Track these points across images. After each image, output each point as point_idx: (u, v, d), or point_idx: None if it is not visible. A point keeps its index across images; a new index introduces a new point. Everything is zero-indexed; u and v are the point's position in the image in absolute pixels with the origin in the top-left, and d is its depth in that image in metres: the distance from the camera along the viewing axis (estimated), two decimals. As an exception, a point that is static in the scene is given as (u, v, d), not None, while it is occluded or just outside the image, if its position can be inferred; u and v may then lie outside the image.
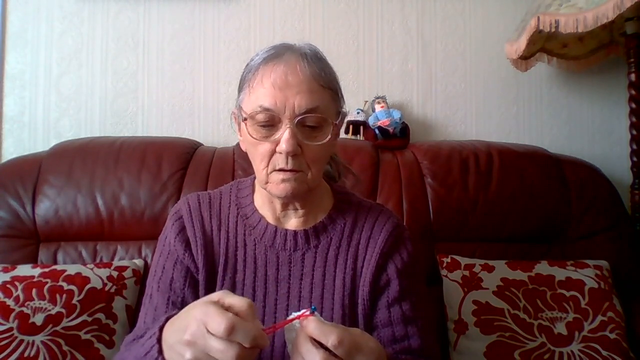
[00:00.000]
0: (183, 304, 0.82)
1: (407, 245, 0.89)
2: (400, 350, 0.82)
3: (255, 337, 0.56)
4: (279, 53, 0.80)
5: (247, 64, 0.83)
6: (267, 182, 0.81)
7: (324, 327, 0.59)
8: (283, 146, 0.76)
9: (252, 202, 0.90)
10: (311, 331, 0.59)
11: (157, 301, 0.83)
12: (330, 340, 0.58)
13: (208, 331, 0.56)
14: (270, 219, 0.87)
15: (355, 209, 0.90)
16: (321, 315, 0.81)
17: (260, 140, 0.78)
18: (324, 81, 0.79)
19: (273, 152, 0.78)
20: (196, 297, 0.84)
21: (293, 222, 0.87)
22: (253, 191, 0.91)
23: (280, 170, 0.78)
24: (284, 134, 0.76)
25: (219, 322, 0.55)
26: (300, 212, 0.86)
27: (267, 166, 0.79)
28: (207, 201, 0.90)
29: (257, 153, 0.79)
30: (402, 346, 0.82)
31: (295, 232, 0.86)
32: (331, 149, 0.86)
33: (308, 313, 0.61)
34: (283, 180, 0.79)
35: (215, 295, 0.60)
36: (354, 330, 0.64)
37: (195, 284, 0.85)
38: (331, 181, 0.97)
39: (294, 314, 0.62)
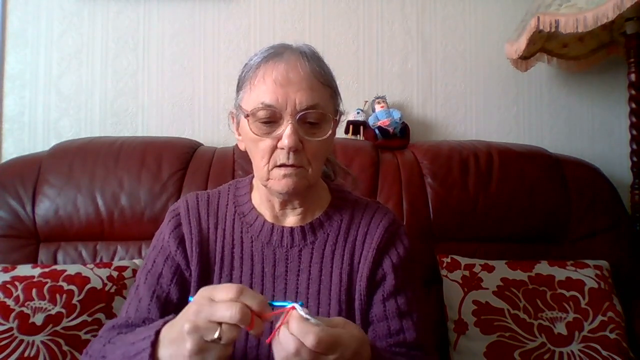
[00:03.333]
0: (167, 299, 0.84)
1: (403, 240, 0.89)
2: (394, 343, 0.83)
3: (262, 301, 0.59)
4: (278, 52, 0.81)
5: (246, 64, 0.85)
6: (268, 179, 0.81)
7: (303, 327, 0.59)
8: (285, 142, 0.77)
9: (250, 200, 0.91)
10: (293, 329, 0.59)
11: (142, 293, 0.84)
12: (308, 342, 0.58)
13: (214, 301, 0.59)
14: (268, 216, 0.88)
15: (352, 205, 0.91)
16: (317, 311, 0.82)
17: (261, 136, 0.79)
18: (323, 79, 0.81)
19: (274, 149, 0.79)
20: (182, 295, 0.85)
21: (291, 220, 0.88)
22: (251, 190, 0.92)
23: (282, 165, 0.79)
24: (286, 130, 0.77)
25: (227, 289, 0.59)
26: (299, 210, 0.87)
27: (268, 162, 0.80)
28: (205, 200, 0.91)
29: (258, 150, 0.80)
30: (396, 340, 0.83)
31: (291, 229, 0.87)
32: (330, 146, 0.87)
33: (292, 305, 0.61)
34: (285, 176, 0.80)
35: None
36: (336, 320, 0.64)
37: (183, 282, 0.86)
38: (327, 179, 0.98)
39: (278, 303, 0.62)
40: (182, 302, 0.84)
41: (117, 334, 0.79)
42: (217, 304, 0.59)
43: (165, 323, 0.68)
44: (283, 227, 0.87)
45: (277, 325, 0.61)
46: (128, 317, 0.82)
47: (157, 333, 0.67)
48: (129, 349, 0.70)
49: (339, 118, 0.87)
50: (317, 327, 0.59)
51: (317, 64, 0.82)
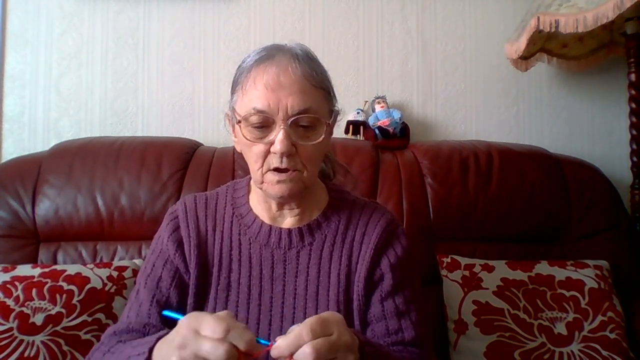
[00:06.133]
0: (167, 303, 0.83)
1: (401, 240, 0.89)
2: (392, 342, 0.83)
3: (250, 340, 0.58)
4: (270, 54, 0.80)
5: (239, 66, 0.84)
6: (262, 182, 0.81)
7: (291, 336, 0.59)
8: (277, 147, 0.77)
9: (248, 201, 0.90)
10: (288, 347, 0.59)
11: (142, 298, 0.84)
12: (305, 337, 0.58)
13: (200, 334, 0.58)
14: (265, 218, 0.88)
15: (350, 206, 0.91)
16: (316, 312, 0.82)
17: (254, 141, 0.79)
18: (315, 81, 0.80)
19: (267, 153, 0.79)
20: (181, 298, 0.85)
21: (288, 221, 0.88)
22: (249, 191, 0.92)
23: (276, 170, 0.79)
24: (278, 135, 0.77)
25: (213, 325, 0.57)
26: (296, 210, 0.87)
27: (262, 166, 0.80)
28: (203, 202, 0.91)
29: (252, 154, 0.80)
30: (394, 339, 0.83)
31: (289, 230, 0.87)
32: (325, 148, 0.87)
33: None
34: (278, 182, 0.79)
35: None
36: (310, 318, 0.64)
37: (182, 285, 0.85)
38: (326, 179, 0.97)
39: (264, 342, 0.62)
40: (182, 306, 0.84)
41: (117, 342, 0.78)
42: (203, 340, 0.57)
43: (158, 339, 0.67)
44: (281, 228, 0.87)
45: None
46: (129, 322, 0.82)
47: (150, 351, 0.66)
48: None
49: (335, 119, 0.86)
50: (300, 327, 0.60)
51: (310, 65, 0.80)
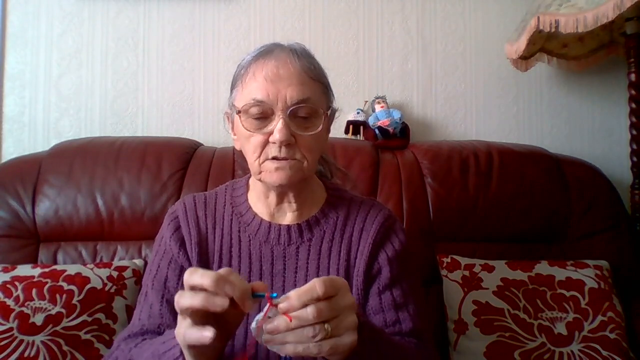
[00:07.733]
0: None
1: (399, 234, 0.90)
2: (390, 334, 0.82)
3: (244, 290, 0.58)
4: (269, 50, 0.83)
5: (239, 64, 0.86)
6: (260, 172, 0.82)
7: (304, 289, 0.58)
8: (277, 136, 0.78)
9: (247, 200, 0.91)
10: (299, 298, 0.57)
11: (152, 299, 0.85)
12: (317, 287, 0.57)
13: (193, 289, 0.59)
14: (264, 215, 0.89)
15: (348, 203, 0.92)
16: None
17: (253, 132, 0.80)
18: (313, 74, 0.82)
19: (266, 143, 0.80)
20: None
21: (287, 217, 0.89)
22: (247, 190, 0.93)
23: (274, 158, 0.80)
24: (277, 124, 0.78)
25: (201, 278, 0.59)
26: (294, 206, 0.88)
27: (260, 156, 0.81)
28: (202, 201, 0.92)
29: (250, 145, 0.81)
30: (392, 331, 0.84)
31: (288, 227, 0.88)
32: (323, 141, 0.88)
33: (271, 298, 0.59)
34: (277, 169, 0.80)
35: None
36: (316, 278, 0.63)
37: None
38: (324, 178, 0.98)
39: (259, 316, 0.60)
40: None
41: (142, 340, 0.79)
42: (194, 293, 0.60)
43: None
44: (280, 225, 0.88)
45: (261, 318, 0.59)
46: (142, 325, 0.82)
47: None
48: (158, 347, 0.70)
49: (332, 114, 0.88)
50: (312, 282, 0.59)
51: (308, 60, 0.83)
